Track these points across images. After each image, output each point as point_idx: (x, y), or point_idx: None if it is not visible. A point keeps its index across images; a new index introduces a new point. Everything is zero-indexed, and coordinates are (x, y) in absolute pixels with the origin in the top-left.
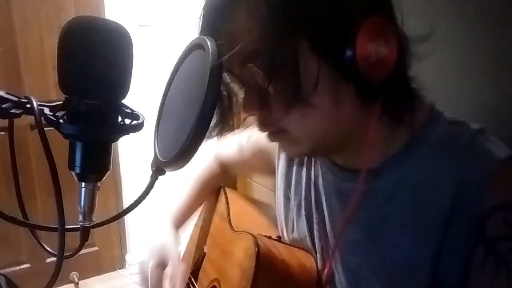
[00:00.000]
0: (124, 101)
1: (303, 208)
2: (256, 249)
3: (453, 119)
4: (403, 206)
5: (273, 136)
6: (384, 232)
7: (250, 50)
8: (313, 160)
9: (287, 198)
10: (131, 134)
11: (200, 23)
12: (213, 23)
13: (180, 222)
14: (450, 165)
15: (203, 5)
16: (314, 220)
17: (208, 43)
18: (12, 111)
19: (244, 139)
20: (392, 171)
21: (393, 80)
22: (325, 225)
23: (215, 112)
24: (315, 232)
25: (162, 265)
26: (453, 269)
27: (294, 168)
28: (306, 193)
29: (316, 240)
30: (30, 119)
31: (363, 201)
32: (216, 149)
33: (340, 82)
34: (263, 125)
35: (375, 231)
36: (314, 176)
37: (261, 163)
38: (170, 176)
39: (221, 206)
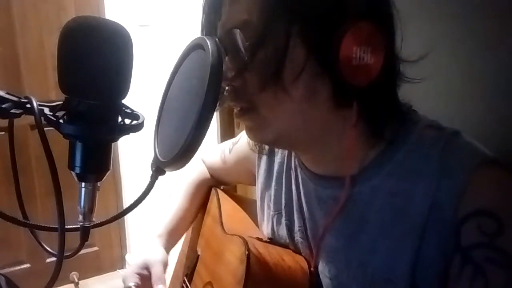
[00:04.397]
0: (124, 101)
1: (283, 217)
2: (247, 253)
3: (430, 122)
4: (381, 212)
5: (242, 113)
6: (364, 239)
7: (243, 19)
8: (293, 168)
9: (267, 207)
10: (131, 134)
11: None
12: None
13: (176, 231)
14: (426, 171)
15: None
16: (296, 228)
17: (208, 43)
18: (12, 111)
19: (226, 149)
20: (369, 178)
21: (374, 90)
22: (307, 233)
23: (215, 111)
24: (298, 240)
25: (141, 273)
26: (431, 278)
27: (274, 177)
28: (287, 202)
29: (299, 247)
30: (30, 119)
31: (342, 208)
32: (201, 155)
33: (320, 78)
34: (236, 97)
35: (354, 238)
36: (294, 185)
37: (243, 172)
38: (170, 176)
39: (212, 206)
